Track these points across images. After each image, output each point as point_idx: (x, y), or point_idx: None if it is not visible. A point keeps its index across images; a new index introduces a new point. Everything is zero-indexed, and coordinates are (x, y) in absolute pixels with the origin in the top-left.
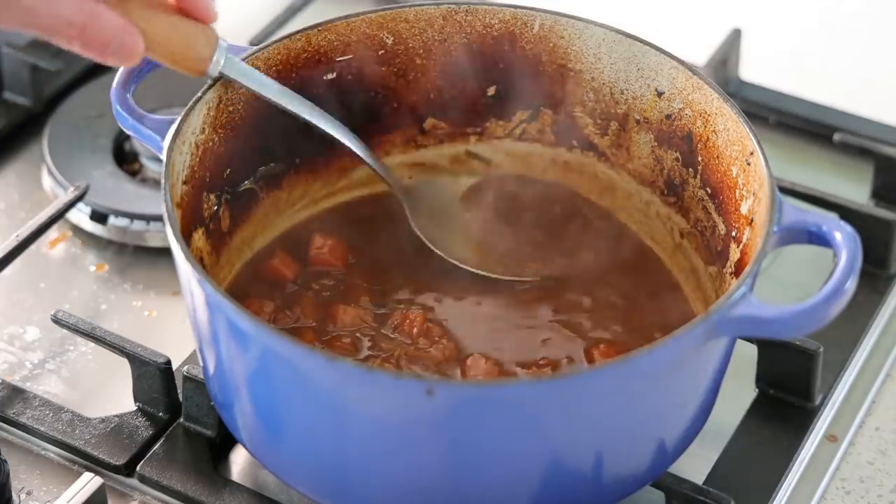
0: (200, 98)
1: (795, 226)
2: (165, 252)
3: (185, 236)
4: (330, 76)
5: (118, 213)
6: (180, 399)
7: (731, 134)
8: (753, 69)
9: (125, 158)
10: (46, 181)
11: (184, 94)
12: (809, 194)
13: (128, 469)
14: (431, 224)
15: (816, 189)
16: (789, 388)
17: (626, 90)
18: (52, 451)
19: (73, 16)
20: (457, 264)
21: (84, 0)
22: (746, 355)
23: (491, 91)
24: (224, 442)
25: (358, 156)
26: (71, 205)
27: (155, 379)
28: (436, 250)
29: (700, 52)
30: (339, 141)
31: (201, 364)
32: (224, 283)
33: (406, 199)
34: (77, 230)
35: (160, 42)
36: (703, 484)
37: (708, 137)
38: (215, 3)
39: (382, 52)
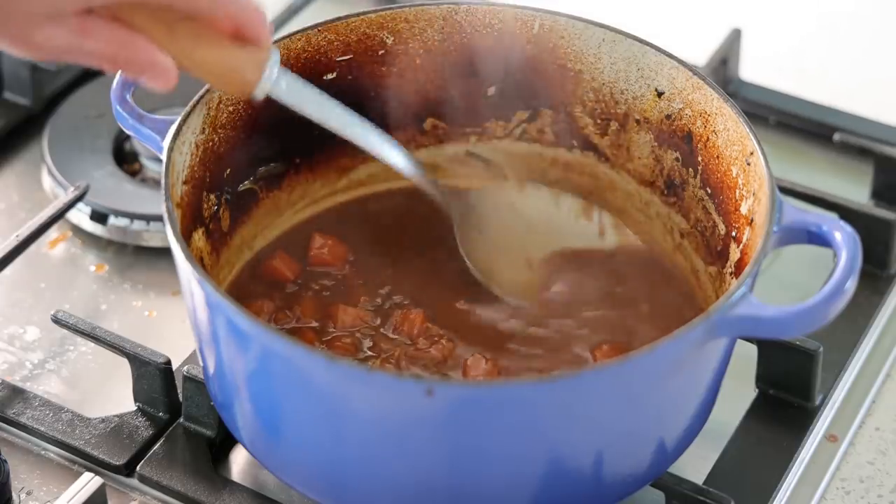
0: (201, 98)
1: (795, 226)
2: (165, 252)
3: (185, 236)
4: (330, 76)
5: (118, 213)
6: (180, 399)
7: (731, 134)
8: (753, 69)
9: (125, 158)
10: (46, 181)
11: (184, 94)
12: (809, 194)
13: (128, 469)
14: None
15: (816, 189)
16: (789, 388)
17: (626, 90)
18: (52, 451)
19: (104, 49)
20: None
21: (115, 31)
22: (746, 355)
23: (491, 91)
24: (224, 442)
25: (418, 176)
26: (71, 205)
27: (155, 379)
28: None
29: (700, 52)
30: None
31: (201, 364)
32: (224, 283)
33: (456, 215)
34: (77, 230)
35: (203, 69)
36: (703, 484)
37: (708, 137)
38: (270, 25)
39: (382, 52)
